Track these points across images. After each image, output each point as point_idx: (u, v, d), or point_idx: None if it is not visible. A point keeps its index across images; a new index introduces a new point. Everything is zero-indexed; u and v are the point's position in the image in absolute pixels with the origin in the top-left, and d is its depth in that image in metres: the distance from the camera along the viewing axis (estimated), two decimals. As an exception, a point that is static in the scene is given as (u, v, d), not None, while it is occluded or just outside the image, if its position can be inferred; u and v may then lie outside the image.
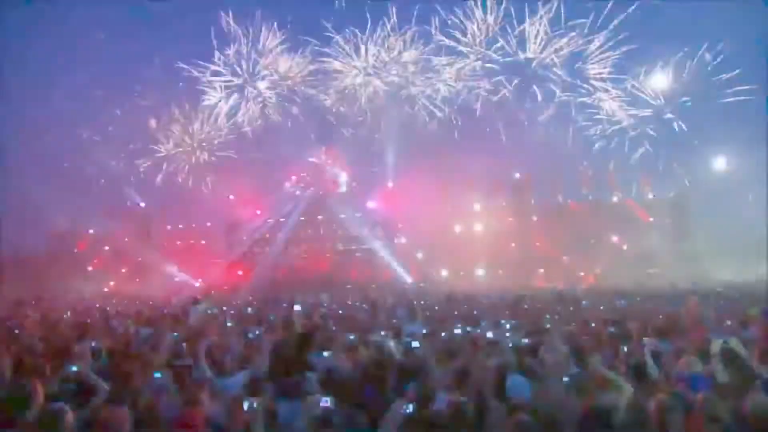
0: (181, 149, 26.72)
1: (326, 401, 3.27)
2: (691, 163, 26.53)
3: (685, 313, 10.20)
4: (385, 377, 4.91)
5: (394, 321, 9.54)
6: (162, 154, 26.34)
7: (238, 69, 26.56)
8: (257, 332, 7.26)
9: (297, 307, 8.22)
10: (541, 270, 28.80)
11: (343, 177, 30.22)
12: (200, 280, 26.06)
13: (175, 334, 8.12)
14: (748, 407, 3.52)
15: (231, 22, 26.36)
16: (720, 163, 25.80)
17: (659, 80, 25.32)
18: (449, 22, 25.68)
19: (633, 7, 23.65)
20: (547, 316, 11.03)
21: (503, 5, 25.52)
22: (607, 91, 25.92)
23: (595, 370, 4.42)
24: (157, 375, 5.23)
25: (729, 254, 24.39)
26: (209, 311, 10.99)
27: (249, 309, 11.74)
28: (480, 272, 29.44)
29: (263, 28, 26.57)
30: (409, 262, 28.03)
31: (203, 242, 27.79)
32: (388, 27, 25.75)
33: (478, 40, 25.82)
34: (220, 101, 26.48)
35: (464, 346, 5.38)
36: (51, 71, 24.83)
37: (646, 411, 3.55)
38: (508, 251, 29.00)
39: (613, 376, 4.18)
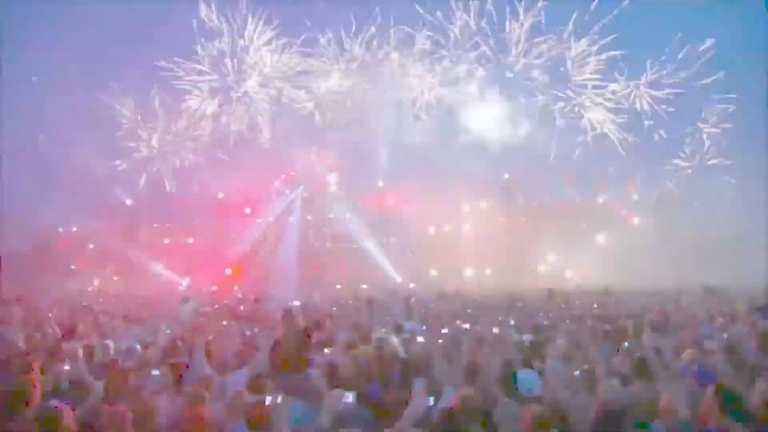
0: (166, 149, 26.38)
1: (349, 397, 3.18)
2: (672, 167, 27.11)
3: (675, 309, 10.38)
4: (389, 373, 4.87)
5: (387, 318, 9.52)
6: (143, 154, 26.04)
7: (222, 68, 26.34)
8: (255, 329, 7.15)
9: (296, 303, 8.12)
10: (529, 269, 29.06)
11: (333, 176, 30.09)
12: (187, 278, 25.67)
13: (168, 331, 7.98)
14: (755, 399, 3.56)
15: (214, 18, 26.02)
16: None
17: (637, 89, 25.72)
18: (433, 24, 25.76)
19: (615, 12, 23.94)
20: (540, 314, 11.12)
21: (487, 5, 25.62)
22: (589, 96, 26.33)
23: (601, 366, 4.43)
24: (155, 372, 5.11)
25: (712, 253, 24.92)
26: (200, 309, 10.83)
27: (241, 307, 11.61)
28: (468, 272, 29.60)
29: (249, 24, 26.31)
30: (398, 262, 28.02)
31: (190, 241, 27.37)
32: (373, 29, 25.79)
33: (459, 43, 25.97)
34: (203, 101, 26.28)
35: (470, 342, 5.35)
36: (34, 66, 24.27)
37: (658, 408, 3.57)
38: (496, 251, 29.19)
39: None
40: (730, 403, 3.55)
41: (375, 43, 26.20)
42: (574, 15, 25.01)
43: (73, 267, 24.13)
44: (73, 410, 3.89)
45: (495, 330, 6.04)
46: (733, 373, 4.33)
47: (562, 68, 26.50)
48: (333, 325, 7.81)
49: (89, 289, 22.98)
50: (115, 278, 25.02)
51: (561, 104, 26.82)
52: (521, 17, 25.45)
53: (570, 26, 25.27)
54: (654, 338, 5.90)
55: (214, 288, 21.65)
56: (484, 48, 26.16)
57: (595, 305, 13.04)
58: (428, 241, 29.47)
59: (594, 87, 26.34)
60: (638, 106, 26.27)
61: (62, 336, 8.36)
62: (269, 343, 6.05)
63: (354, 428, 2.80)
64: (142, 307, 12.67)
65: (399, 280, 27.05)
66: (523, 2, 25.14)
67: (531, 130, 27.15)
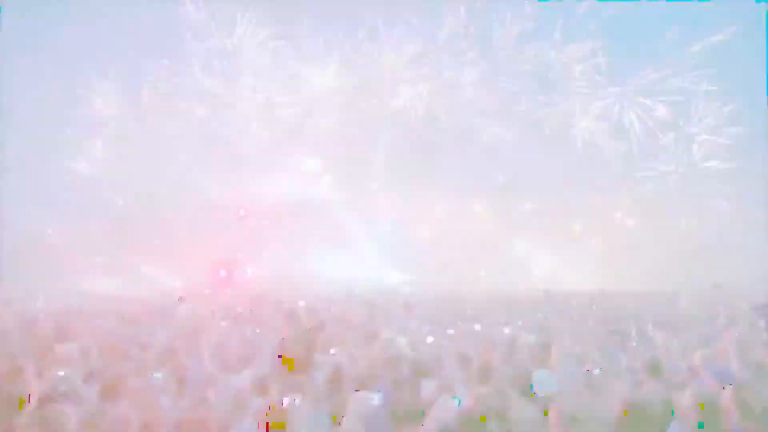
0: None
1: (375, 398, 3.06)
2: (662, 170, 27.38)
3: (675, 310, 10.41)
4: (399, 374, 4.76)
5: (387, 319, 9.40)
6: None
7: (211, 68, 26.15)
8: (257, 330, 7.00)
9: (301, 303, 7.99)
10: (522, 271, 29.15)
11: (326, 177, 30.00)
12: (180, 280, 25.30)
13: (166, 332, 7.79)
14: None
15: (202, 17, 25.79)
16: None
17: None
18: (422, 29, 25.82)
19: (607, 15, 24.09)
20: (539, 314, 11.08)
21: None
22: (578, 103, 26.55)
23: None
24: (157, 375, 4.95)
25: (703, 255, 25.19)
26: (196, 310, 10.63)
27: (238, 308, 11.42)
28: (462, 273, 29.62)
29: (239, 24, 26.13)
30: (393, 263, 27.95)
31: (183, 242, 27.00)
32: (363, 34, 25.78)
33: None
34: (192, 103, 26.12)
35: (481, 342, 5.26)
36: (26, 64, 23.84)
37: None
38: (490, 253, 29.27)
39: None
40: (751, 403, 3.51)
41: (364, 47, 26.24)
42: (562, 21, 25.28)
43: (62, 268, 23.69)
44: (74, 415, 3.74)
45: (506, 330, 5.97)
46: (750, 373, 4.29)
47: (549, 75, 26.72)
48: (336, 325, 7.68)
49: (79, 290, 22.58)
50: (106, 279, 24.63)
51: (548, 111, 27.02)
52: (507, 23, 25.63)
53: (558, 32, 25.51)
54: (667, 337, 5.85)
55: (207, 291, 21.36)
56: (471, 54, 26.27)
57: (594, 306, 13.04)
58: (422, 242, 29.47)
59: (583, 94, 26.60)
60: (627, 114, 26.55)
61: (55, 338, 8.14)
62: (271, 344, 5.93)
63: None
64: (135, 307, 12.40)
65: (395, 280, 26.99)
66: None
67: (524, 132, 27.33)
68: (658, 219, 29.77)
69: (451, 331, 6.30)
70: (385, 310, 10.82)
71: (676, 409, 3.68)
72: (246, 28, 26.12)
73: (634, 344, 5.80)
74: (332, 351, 5.48)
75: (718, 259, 23.18)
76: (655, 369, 4.87)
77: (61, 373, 5.37)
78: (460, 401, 2.92)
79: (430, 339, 5.31)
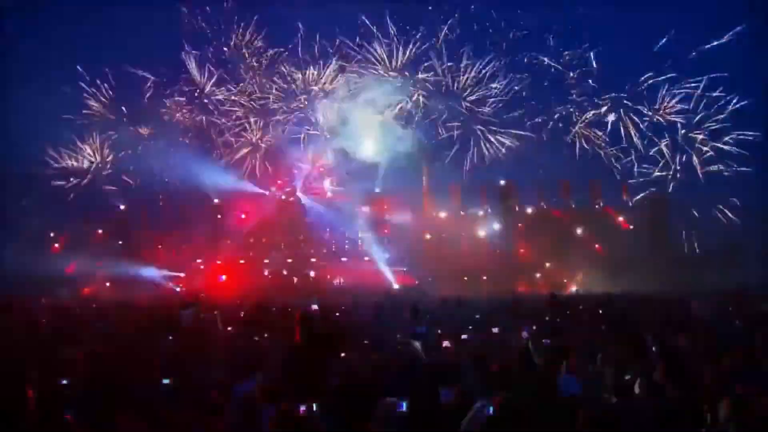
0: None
1: (402, 405, 2.94)
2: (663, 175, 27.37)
3: (687, 314, 10.24)
4: (415, 379, 4.62)
5: (395, 324, 9.23)
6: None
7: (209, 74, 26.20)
8: (265, 335, 6.85)
9: (314, 306, 7.83)
10: (525, 275, 29.01)
11: (329, 182, 29.91)
12: (181, 285, 25.16)
13: (170, 338, 7.65)
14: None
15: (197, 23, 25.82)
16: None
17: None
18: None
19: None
20: (547, 318, 10.93)
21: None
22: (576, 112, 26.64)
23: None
24: (166, 381, 4.81)
25: (708, 260, 25.07)
26: (201, 316, 10.47)
27: (242, 313, 11.27)
28: (464, 278, 29.44)
29: (236, 30, 26.17)
30: (395, 268, 27.79)
31: (185, 247, 26.88)
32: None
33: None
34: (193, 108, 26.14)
35: (501, 346, 5.12)
36: (24, 70, 23.83)
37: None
38: (492, 257, 29.13)
39: None
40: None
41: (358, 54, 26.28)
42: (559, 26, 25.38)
43: (64, 272, 23.54)
44: (82, 423, 3.60)
45: (524, 334, 5.82)
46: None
47: (545, 83, 26.78)
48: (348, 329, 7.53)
49: (81, 295, 22.43)
50: (108, 284, 24.49)
51: (545, 117, 27.07)
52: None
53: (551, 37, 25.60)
54: (687, 341, 5.70)
55: (210, 293, 21.18)
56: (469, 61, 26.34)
57: (600, 311, 12.87)
58: (425, 247, 29.32)
59: (579, 105, 26.72)
60: (622, 124, 26.58)
61: (58, 343, 8.00)
62: (279, 348, 5.79)
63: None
64: (139, 313, 12.25)
65: (396, 286, 26.81)
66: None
67: (526, 138, 27.37)
68: (661, 224, 29.69)
69: (465, 336, 6.17)
70: (394, 315, 10.67)
71: (711, 417, 3.55)
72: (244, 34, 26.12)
73: (654, 349, 5.64)
74: (342, 356, 5.34)
75: (725, 263, 23.03)
76: (676, 372, 4.73)
77: (65, 381, 5.24)
78: (492, 408, 2.79)
79: (446, 344, 5.17)
